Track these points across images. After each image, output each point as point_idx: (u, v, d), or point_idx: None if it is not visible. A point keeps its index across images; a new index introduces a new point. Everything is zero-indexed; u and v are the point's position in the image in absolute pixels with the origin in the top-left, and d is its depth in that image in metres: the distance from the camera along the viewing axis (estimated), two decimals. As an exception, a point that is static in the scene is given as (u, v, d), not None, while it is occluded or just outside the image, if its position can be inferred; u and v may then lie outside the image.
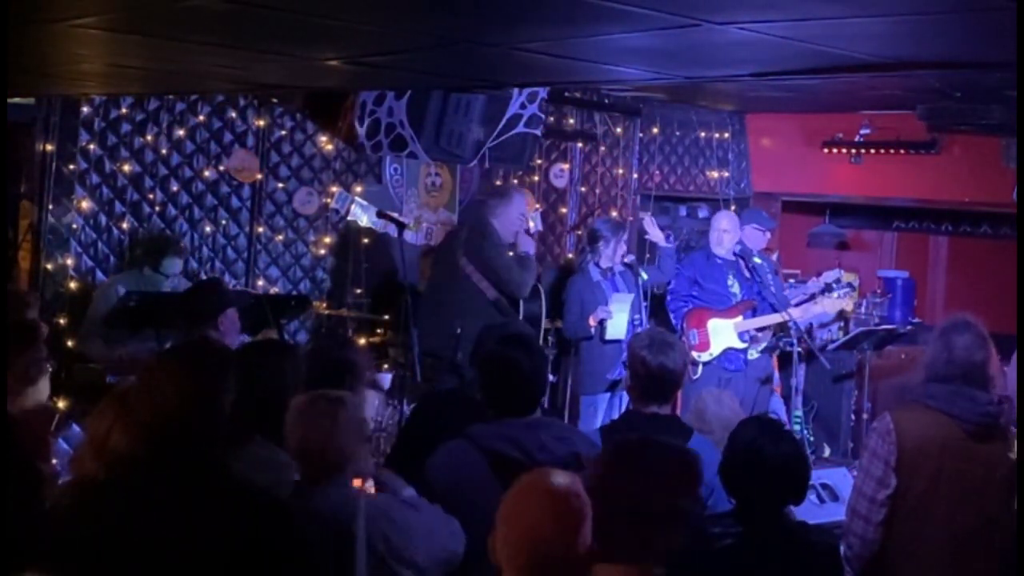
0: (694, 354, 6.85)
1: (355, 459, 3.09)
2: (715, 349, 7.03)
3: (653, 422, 3.90)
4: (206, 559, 2.57)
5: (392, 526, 3.04)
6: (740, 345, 7.07)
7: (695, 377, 6.89)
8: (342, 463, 3.06)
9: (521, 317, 6.53)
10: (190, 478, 2.63)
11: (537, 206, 8.29)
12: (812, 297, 7.31)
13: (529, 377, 3.44)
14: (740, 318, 7.06)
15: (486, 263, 6.46)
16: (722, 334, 7.03)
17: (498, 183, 8.50)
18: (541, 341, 6.63)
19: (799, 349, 7.33)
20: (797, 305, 7.21)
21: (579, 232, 8.87)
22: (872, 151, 8.89)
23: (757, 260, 7.28)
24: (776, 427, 3.29)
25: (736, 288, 7.13)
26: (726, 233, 7.19)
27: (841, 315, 8.00)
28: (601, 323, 6.69)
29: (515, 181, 8.52)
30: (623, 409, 6.80)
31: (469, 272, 6.45)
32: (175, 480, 2.62)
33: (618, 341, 6.67)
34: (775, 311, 7.06)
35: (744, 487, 3.20)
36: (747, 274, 7.16)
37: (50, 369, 4.24)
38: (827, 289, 7.27)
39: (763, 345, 7.22)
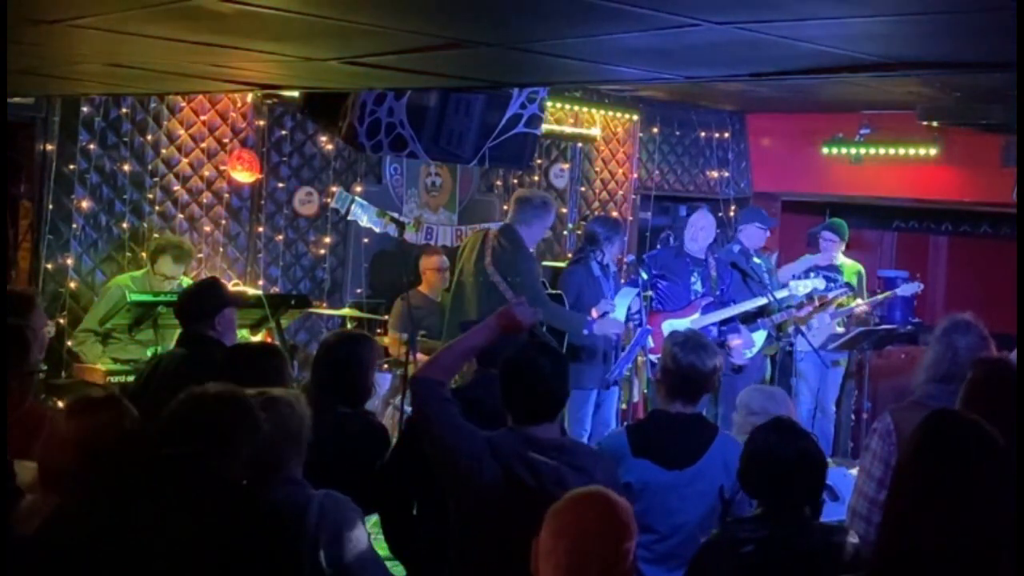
0: (650, 356, 6.67)
1: (290, 458, 3.06)
2: None
3: (678, 421, 3.94)
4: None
5: (333, 522, 3.00)
6: None
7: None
8: (277, 463, 3.02)
9: (545, 329, 6.54)
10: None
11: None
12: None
13: (552, 384, 3.40)
14: (697, 314, 7.00)
15: (515, 276, 6.44)
16: None
17: (498, 183, 8.51)
18: (565, 350, 6.60)
19: (802, 349, 7.33)
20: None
21: (579, 232, 8.87)
22: (872, 151, 8.89)
23: (756, 260, 7.27)
24: (790, 427, 3.28)
25: (699, 286, 7.11)
26: (702, 231, 7.17)
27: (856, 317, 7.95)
28: (604, 315, 6.65)
29: (515, 181, 8.52)
30: (615, 404, 6.82)
31: (496, 281, 6.45)
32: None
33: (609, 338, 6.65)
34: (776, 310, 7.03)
35: (764, 489, 3.18)
36: (712, 274, 7.13)
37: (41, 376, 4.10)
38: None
39: (758, 346, 7.21)
